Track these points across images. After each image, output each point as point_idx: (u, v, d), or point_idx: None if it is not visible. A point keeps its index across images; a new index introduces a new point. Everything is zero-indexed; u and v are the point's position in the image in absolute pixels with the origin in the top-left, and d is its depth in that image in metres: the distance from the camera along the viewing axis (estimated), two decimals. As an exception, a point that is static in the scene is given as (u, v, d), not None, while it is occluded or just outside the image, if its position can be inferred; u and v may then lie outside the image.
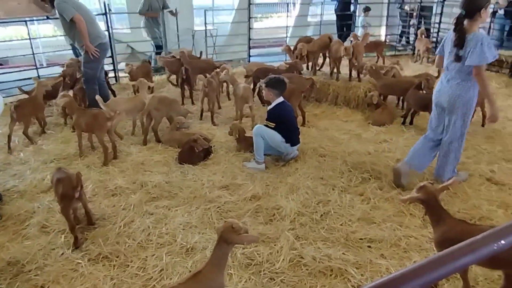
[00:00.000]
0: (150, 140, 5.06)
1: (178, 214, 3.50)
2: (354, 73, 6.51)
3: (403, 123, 5.55)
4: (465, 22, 3.42)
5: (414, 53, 9.69)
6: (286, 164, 4.46)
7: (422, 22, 10.55)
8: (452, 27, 3.50)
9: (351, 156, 4.54)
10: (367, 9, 10.42)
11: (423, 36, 9.14)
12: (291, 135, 4.38)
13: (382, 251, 3.06)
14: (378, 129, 5.39)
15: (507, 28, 8.83)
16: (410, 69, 8.16)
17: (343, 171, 4.22)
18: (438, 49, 3.89)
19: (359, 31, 10.07)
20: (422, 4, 10.26)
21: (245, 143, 4.71)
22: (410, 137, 5.12)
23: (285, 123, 4.36)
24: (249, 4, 8.51)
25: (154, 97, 5.04)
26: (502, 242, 0.70)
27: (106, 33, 6.55)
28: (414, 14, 10.57)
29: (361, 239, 3.19)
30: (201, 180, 4.09)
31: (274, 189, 3.95)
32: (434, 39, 9.81)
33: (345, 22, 10.15)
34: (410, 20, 10.89)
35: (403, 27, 11.01)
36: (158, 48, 8.86)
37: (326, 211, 3.55)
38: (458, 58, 3.48)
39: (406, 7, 10.66)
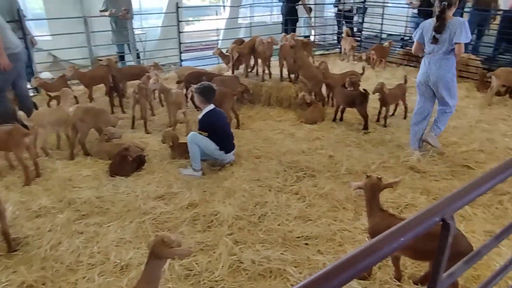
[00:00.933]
0: (78, 154, 4.77)
1: (111, 231, 3.33)
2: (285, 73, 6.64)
3: (334, 119, 5.77)
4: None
5: (341, 52, 10.13)
6: (222, 168, 4.43)
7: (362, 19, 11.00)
8: (435, 16, 4.18)
9: (285, 156, 4.63)
10: (310, 10, 10.66)
11: (348, 35, 9.59)
12: (224, 142, 4.35)
13: (319, 247, 3.15)
14: (311, 127, 5.55)
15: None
16: (338, 67, 8.51)
17: (279, 171, 4.29)
18: (417, 36, 4.46)
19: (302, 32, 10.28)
20: (358, 5, 10.74)
21: (179, 150, 4.61)
22: (340, 133, 5.34)
23: (217, 131, 4.32)
24: (177, 7, 8.36)
25: (79, 108, 4.76)
26: (401, 239, 0.73)
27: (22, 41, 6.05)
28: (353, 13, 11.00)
29: (298, 237, 3.26)
30: (134, 192, 3.93)
31: (211, 194, 3.90)
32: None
33: (291, 25, 10.41)
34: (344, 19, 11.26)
35: (339, 27, 11.40)
36: (121, 58, 8.50)
37: (263, 213, 3.58)
38: (435, 41, 4.19)
39: (342, 6, 11.01)
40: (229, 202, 3.72)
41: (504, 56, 8.43)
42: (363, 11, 10.93)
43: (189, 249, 2.19)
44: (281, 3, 10.07)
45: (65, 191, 3.95)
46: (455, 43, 4.13)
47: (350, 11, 11.00)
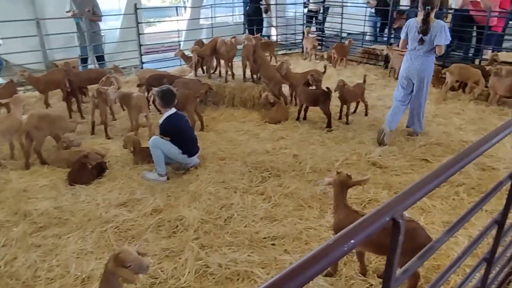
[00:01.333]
0: (34, 163, 4.56)
1: (71, 242, 3.20)
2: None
3: (297, 119, 5.83)
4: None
5: (303, 51, 10.26)
6: (187, 171, 4.37)
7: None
8: (420, 18, 4.57)
9: (250, 157, 4.62)
10: (265, 11, 10.70)
11: (309, 35, 9.72)
12: (187, 146, 4.28)
13: (286, 246, 3.16)
14: (275, 127, 5.58)
15: (378, 24, 9.81)
16: (300, 66, 8.61)
17: (244, 172, 4.28)
18: (403, 35, 4.88)
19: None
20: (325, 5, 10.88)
21: (142, 155, 4.50)
22: (304, 132, 5.40)
23: (179, 134, 4.24)
24: (136, 8, 8.16)
25: (33, 115, 4.54)
26: (352, 241, 0.74)
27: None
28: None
29: (265, 238, 3.26)
30: (95, 200, 3.80)
31: (175, 199, 3.84)
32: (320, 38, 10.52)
33: (257, 25, 10.43)
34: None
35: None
36: (84, 60, 8.24)
37: (229, 215, 3.55)
38: (422, 41, 4.60)
39: (311, 6, 11.11)
40: (195, 206, 3.67)
41: (456, 53, 8.81)
42: (324, 11, 11.12)
43: (146, 265, 2.09)
44: (242, 4, 10.08)
45: (20, 203, 3.76)
46: (436, 45, 4.58)
47: (318, 11, 11.17)
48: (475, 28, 8.16)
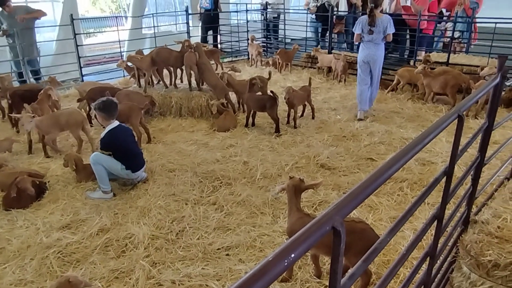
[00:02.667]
0: (-38, 188, 4.18)
1: (7, 273, 2.95)
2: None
3: (246, 125, 5.83)
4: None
5: (249, 58, 10.33)
6: (134, 186, 4.21)
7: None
8: (367, 15, 5.70)
9: (200, 166, 4.54)
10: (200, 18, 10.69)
11: (254, 41, 9.81)
12: (130, 161, 4.09)
13: (240, 255, 3.13)
14: (224, 135, 5.54)
15: (320, 30, 10.11)
16: (247, 73, 8.66)
17: (194, 183, 4.19)
18: (357, 30, 5.90)
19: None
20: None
21: (85, 173, 4.27)
22: (254, 138, 5.41)
23: (121, 149, 4.06)
24: (72, 19, 7.79)
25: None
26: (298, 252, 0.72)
27: None
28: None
29: (218, 249, 3.21)
30: (35, 225, 3.54)
31: (123, 216, 3.67)
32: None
33: (211, 33, 10.37)
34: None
35: (267, 36, 11.59)
36: (21, 75, 7.64)
37: (181, 229, 3.46)
38: (371, 32, 5.74)
39: (269, 15, 11.17)
40: (144, 222, 3.53)
41: (393, 55, 9.29)
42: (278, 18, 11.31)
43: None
44: (185, 13, 9.98)
45: None
46: (387, 34, 5.77)
47: (276, 18, 11.30)
48: (408, 31, 8.66)
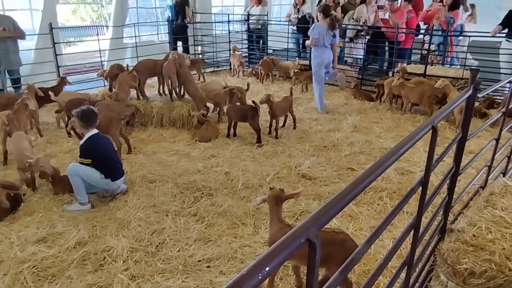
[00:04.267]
0: None
1: (-21, 289, 2.85)
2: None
3: (228, 136, 5.83)
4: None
5: (231, 68, 10.36)
6: (113, 198, 4.13)
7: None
8: (326, 22, 6.55)
9: (181, 177, 4.51)
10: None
11: (235, 52, 9.85)
12: (109, 169, 4.04)
13: (221, 267, 3.10)
14: (205, 145, 5.51)
15: (301, 41, 10.25)
16: (228, 83, 8.64)
17: (175, 194, 4.15)
18: (315, 35, 6.55)
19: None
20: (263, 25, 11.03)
21: (62, 184, 4.18)
22: (235, 149, 5.40)
23: (101, 157, 4.01)
24: (51, 28, 7.69)
25: None
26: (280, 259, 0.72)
27: None
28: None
29: (199, 261, 3.17)
30: (8, 239, 3.43)
31: (102, 229, 3.60)
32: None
33: (183, 44, 10.32)
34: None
35: (249, 47, 11.63)
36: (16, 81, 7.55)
37: (161, 241, 3.41)
38: (334, 36, 6.67)
39: (252, 26, 11.19)
40: (123, 234, 3.47)
41: (372, 66, 9.49)
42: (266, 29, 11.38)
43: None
44: (167, 22, 9.97)
45: None
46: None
47: (259, 29, 11.33)
48: (387, 43, 8.88)
